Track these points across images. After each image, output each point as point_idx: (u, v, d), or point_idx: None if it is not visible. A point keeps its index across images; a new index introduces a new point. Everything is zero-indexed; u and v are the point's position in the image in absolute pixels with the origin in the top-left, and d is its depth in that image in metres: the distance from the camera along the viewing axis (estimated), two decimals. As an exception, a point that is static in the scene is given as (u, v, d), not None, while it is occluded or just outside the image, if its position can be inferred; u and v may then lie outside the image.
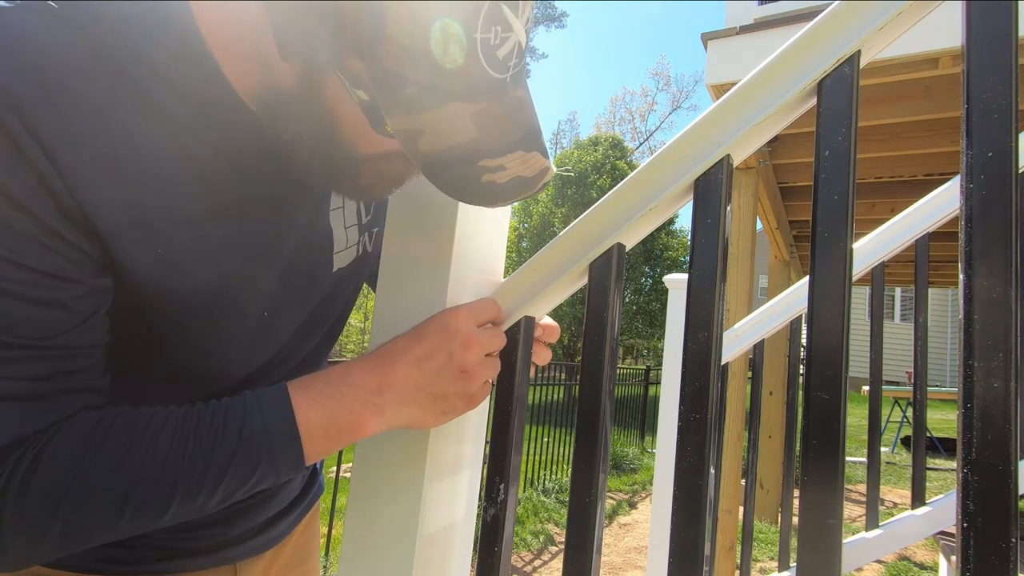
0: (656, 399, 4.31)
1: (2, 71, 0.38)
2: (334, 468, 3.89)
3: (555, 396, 5.61)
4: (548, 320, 0.70)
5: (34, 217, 0.40)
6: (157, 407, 0.48)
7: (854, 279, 0.65)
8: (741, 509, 2.17)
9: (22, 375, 0.43)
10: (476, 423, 0.66)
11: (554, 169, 0.48)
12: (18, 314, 0.42)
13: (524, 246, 12.04)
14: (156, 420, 0.47)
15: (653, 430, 7.02)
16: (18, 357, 0.42)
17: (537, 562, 3.39)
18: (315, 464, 0.85)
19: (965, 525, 0.39)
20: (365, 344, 10.79)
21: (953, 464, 6.21)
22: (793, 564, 1.85)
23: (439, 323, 0.55)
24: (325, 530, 2.99)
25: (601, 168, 11.77)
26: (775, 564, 3.31)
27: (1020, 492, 0.42)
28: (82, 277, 0.44)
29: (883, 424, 6.04)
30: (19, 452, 0.42)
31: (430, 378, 0.53)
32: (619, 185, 0.56)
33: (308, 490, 0.83)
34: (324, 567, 2.87)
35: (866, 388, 1.95)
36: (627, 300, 11.80)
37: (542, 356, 0.69)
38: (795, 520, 0.53)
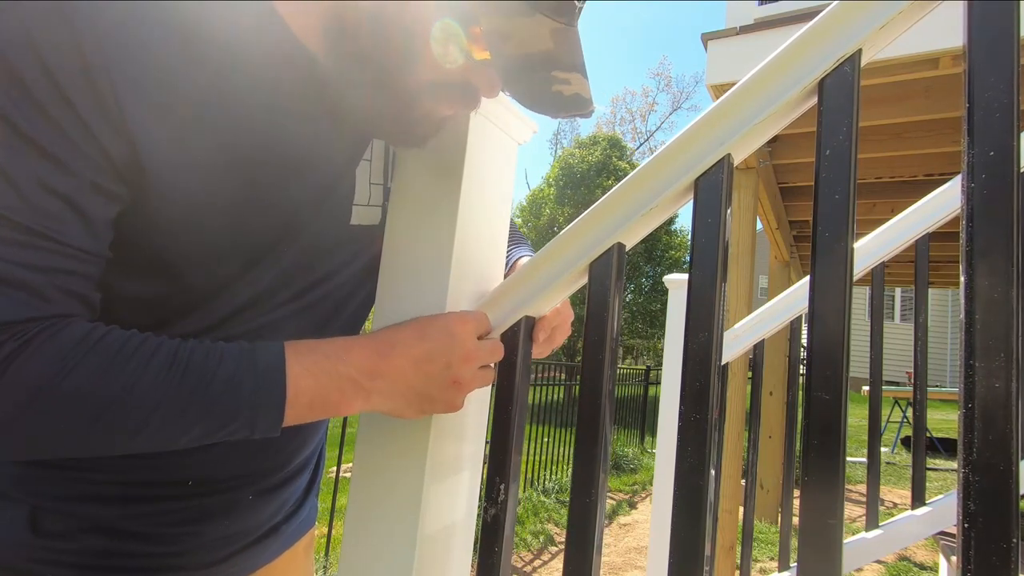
0: (656, 399, 4.31)
1: (93, 9, 0.42)
2: (334, 468, 3.89)
3: (555, 396, 5.61)
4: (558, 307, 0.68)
5: (68, 102, 0.42)
6: (150, 333, 0.48)
7: (854, 279, 0.65)
8: (741, 509, 2.17)
9: (17, 259, 0.43)
10: (476, 423, 0.66)
11: (596, 106, 0.55)
12: (25, 193, 0.42)
13: (525, 246, 12.02)
14: (148, 345, 0.46)
15: (653, 430, 7.02)
16: (17, 240, 0.42)
17: (537, 562, 3.39)
18: (310, 489, 0.82)
19: (966, 525, 0.38)
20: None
21: (953, 464, 6.21)
22: (793, 564, 1.85)
23: (445, 328, 0.55)
24: (325, 530, 2.99)
25: (604, 168, 11.75)
26: (775, 564, 3.31)
27: (1021, 492, 0.42)
28: (95, 175, 0.45)
29: (883, 424, 6.04)
30: (2, 338, 0.42)
31: (423, 380, 0.54)
32: (619, 184, 0.56)
33: (294, 515, 0.77)
34: (324, 567, 2.87)
35: (866, 388, 1.95)
36: (627, 300, 11.80)
37: (555, 340, 0.69)
38: (795, 520, 0.53)
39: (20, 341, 0.42)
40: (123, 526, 0.60)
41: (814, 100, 0.49)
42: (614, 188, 0.56)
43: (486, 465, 0.62)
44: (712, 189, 0.52)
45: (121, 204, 0.48)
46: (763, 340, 1.86)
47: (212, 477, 0.64)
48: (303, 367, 0.50)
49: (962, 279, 0.41)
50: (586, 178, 11.69)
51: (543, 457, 4.79)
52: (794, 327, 1.83)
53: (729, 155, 0.52)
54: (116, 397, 0.44)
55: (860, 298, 13.51)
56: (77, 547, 0.58)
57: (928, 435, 5.86)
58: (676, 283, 1.96)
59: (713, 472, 0.50)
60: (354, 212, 0.65)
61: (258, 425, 0.49)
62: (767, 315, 1.83)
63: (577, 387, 0.59)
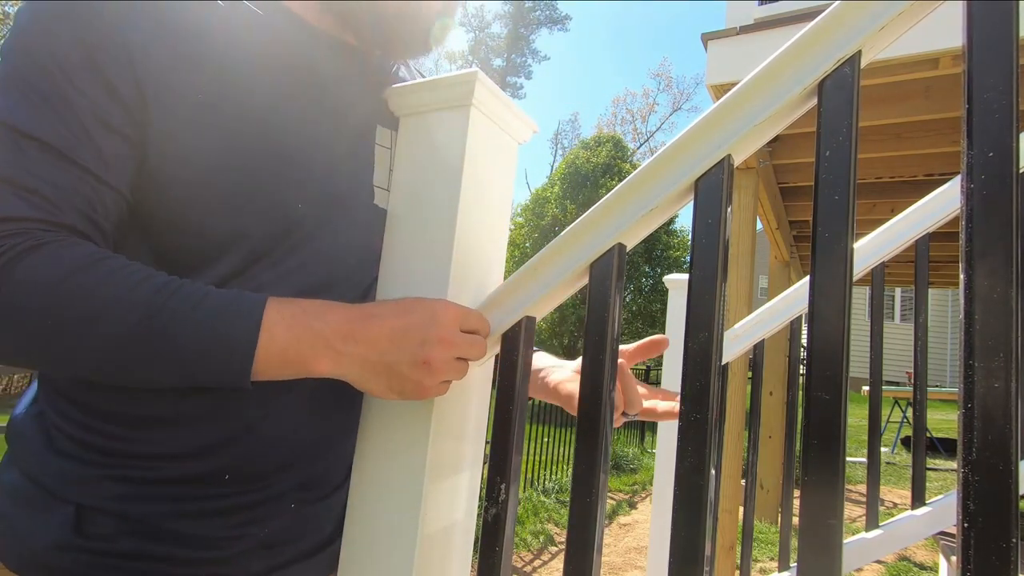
0: (656, 399, 4.29)
1: None
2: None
3: (555, 396, 5.60)
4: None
5: (85, 44, 0.51)
6: (149, 267, 0.53)
7: (854, 279, 0.65)
8: (741, 509, 2.17)
9: (37, 173, 0.49)
10: (476, 423, 0.66)
11: None
12: (48, 112, 0.50)
13: (527, 247, 12.02)
14: (146, 270, 0.52)
15: (653, 430, 7.01)
16: (39, 157, 0.49)
17: (537, 562, 3.39)
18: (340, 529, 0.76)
19: (966, 525, 0.38)
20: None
21: (953, 464, 6.20)
22: (793, 564, 1.85)
23: (428, 308, 0.56)
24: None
25: (609, 169, 11.78)
26: (775, 564, 3.31)
27: (1021, 492, 0.42)
28: (109, 112, 0.52)
29: (883, 424, 6.04)
30: (17, 239, 0.47)
31: (393, 352, 0.54)
32: (620, 185, 0.56)
33: (325, 548, 0.71)
34: (324, 567, 2.86)
35: (866, 388, 1.94)
36: (627, 301, 11.78)
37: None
38: (795, 520, 0.53)
39: (35, 242, 0.48)
40: (167, 525, 0.58)
41: (814, 101, 0.49)
42: (615, 189, 0.56)
43: (486, 465, 0.62)
44: (712, 190, 0.52)
45: (130, 146, 0.54)
46: (763, 340, 1.86)
47: (255, 472, 0.62)
48: (280, 316, 0.53)
49: (962, 279, 0.41)
50: (590, 178, 11.72)
51: (543, 457, 4.78)
52: (794, 327, 1.83)
53: (729, 156, 0.52)
54: (107, 306, 0.48)
55: (860, 298, 13.50)
56: (118, 550, 0.56)
57: (928, 435, 5.86)
58: (676, 283, 1.95)
59: (713, 472, 0.50)
60: (376, 193, 0.69)
61: (232, 363, 0.51)
62: (767, 315, 1.83)
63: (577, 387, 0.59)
